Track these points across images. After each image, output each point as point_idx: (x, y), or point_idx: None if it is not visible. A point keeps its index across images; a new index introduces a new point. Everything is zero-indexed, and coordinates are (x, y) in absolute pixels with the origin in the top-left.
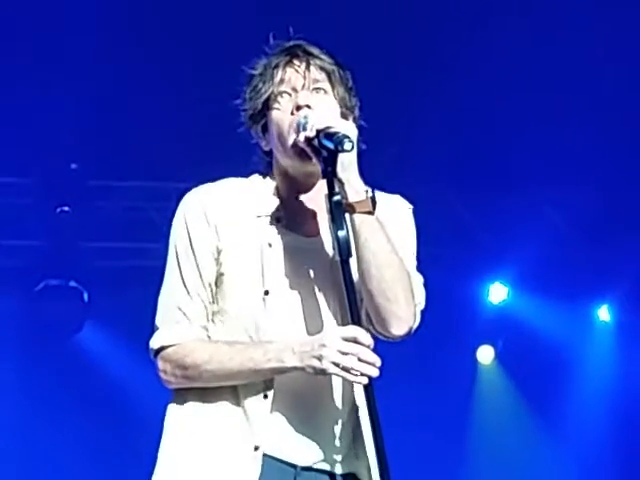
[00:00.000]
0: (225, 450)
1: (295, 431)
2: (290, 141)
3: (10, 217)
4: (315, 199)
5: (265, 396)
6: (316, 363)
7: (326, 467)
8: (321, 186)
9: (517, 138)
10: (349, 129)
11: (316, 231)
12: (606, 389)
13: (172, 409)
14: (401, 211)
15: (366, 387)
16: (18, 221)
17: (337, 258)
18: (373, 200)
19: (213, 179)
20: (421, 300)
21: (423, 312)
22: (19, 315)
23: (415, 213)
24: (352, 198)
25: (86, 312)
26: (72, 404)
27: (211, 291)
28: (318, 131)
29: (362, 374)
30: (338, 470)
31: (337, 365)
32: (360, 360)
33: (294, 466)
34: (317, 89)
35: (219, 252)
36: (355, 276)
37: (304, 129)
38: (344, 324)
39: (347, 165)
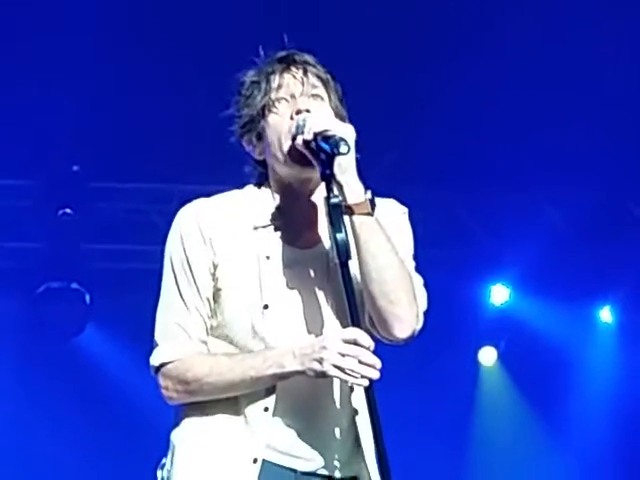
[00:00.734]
0: (224, 462)
1: (296, 437)
2: (286, 146)
3: (12, 219)
4: (313, 207)
5: (266, 409)
6: (317, 366)
7: (326, 472)
8: (319, 193)
9: (518, 139)
10: (347, 132)
11: (315, 240)
12: (608, 390)
13: (175, 428)
14: (397, 214)
15: (367, 390)
16: (20, 223)
17: (336, 261)
18: (372, 202)
19: (215, 181)
20: (423, 301)
21: (425, 313)
22: (21, 317)
23: (411, 216)
24: (351, 200)
25: (88, 314)
26: (73, 406)
27: (209, 305)
28: (316, 134)
29: (362, 376)
30: (338, 474)
31: (338, 368)
32: (360, 362)
33: (294, 471)
34: (315, 95)
35: (215, 267)
36: (356, 279)
37: (302, 132)
38: (343, 327)
39: (345, 167)
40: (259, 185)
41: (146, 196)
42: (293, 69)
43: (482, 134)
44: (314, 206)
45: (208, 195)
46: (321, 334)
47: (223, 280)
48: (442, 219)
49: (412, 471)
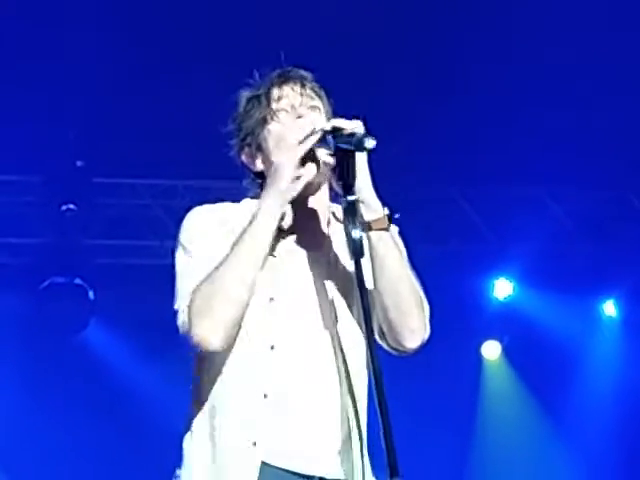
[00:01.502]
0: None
1: (296, 439)
2: (301, 150)
3: (15, 215)
4: (313, 210)
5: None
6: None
7: (327, 472)
8: (319, 196)
9: (521, 134)
10: (359, 127)
11: (315, 242)
12: (612, 383)
13: (187, 433)
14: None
15: (376, 384)
16: (23, 219)
17: (341, 260)
18: (389, 217)
19: (219, 177)
20: (427, 309)
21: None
22: (24, 313)
23: (415, 211)
24: (369, 217)
25: (91, 310)
26: (77, 401)
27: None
28: (332, 130)
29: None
30: (340, 475)
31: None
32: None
33: (295, 474)
34: (313, 107)
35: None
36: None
37: (315, 133)
38: (345, 327)
39: (362, 186)
40: (257, 197)
41: (150, 191)
42: (291, 83)
43: (486, 129)
44: (314, 210)
45: (211, 190)
46: (323, 328)
47: None
48: (446, 213)
49: (416, 464)
